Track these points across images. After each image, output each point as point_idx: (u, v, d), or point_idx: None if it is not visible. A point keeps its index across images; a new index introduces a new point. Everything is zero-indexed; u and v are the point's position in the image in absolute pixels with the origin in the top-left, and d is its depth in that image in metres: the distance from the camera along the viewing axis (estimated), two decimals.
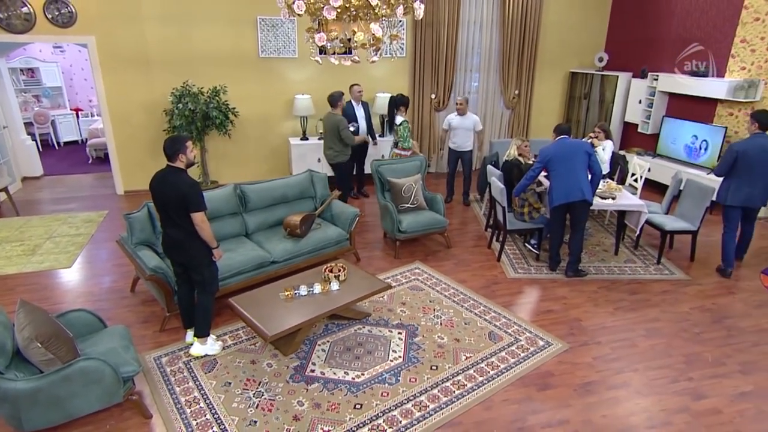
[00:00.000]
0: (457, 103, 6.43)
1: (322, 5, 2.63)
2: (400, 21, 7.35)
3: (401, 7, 2.75)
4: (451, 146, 6.60)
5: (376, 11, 2.65)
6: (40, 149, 9.31)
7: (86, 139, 9.22)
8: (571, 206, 4.63)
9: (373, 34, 2.70)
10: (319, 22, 2.86)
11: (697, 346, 3.87)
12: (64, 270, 4.85)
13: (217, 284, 3.71)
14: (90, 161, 8.73)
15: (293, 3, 2.68)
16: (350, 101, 6.61)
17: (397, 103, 6.25)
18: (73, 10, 6.02)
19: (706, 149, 6.71)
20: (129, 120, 6.67)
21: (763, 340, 3.95)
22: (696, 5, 6.90)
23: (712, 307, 4.42)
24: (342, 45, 2.91)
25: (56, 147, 9.80)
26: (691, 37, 7.00)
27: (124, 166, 6.89)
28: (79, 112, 10.11)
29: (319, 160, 7.24)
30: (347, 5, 2.60)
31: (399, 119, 6.18)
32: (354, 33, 2.73)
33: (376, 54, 2.96)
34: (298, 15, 2.72)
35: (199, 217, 3.28)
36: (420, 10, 2.92)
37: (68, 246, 5.28)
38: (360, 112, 6.67)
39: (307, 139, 7.25)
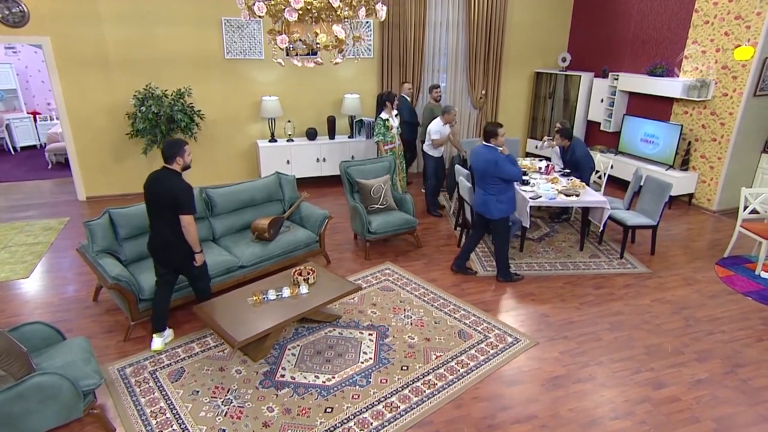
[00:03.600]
0: (451, 114, 6.24)
1: (283, 7, 2.61)
2: (367, 22, 7.36)
3: (363, 8, 2.75)
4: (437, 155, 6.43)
5: (338, 13, 2.64)
6: None
7: (45, 144, 8.86)
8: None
9: (336, 36, 2.69)
10: (282, 24, 2.83)
11: (657, 337, 4.01)
12: (21, 280, 4.65)
13: (209, 280, 3.89)
14: (49, 167, 8.38)
15: (254, 4, 2.64)
16: (403, 96, 7.09)
17: (386, 98, 6.25)
18: (25, 10, 5.77)
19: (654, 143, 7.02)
20: (89, 123, 6.45)
21: (717, 329, 4.13)
22: (651, 8, 7.15)
23: (671, 299, 4.59)
24: (305, 47, 2.89)
25: (12, 152, 9.36)
26: (648, 38, 7.25)
27: (85, 171, 6.65)
28: (37, 116, 9.70)
29: (288, 161, 7.18)
30: (308, 7, 2.58)
31: (384, 115, 6.18)
32: (316, 35, 2.71)
33: (339, 56, 2.95)
34: (259, 17, 2.69)
35: (187, 220, 3.41)
36: (382, 12, 2.93)
37: (25, 255, 5.07)
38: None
39: (275, 140, 7.17)
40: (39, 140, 9.56)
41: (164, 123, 6.11)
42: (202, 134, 6.92)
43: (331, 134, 7.44)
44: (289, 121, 7.21)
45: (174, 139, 3.54)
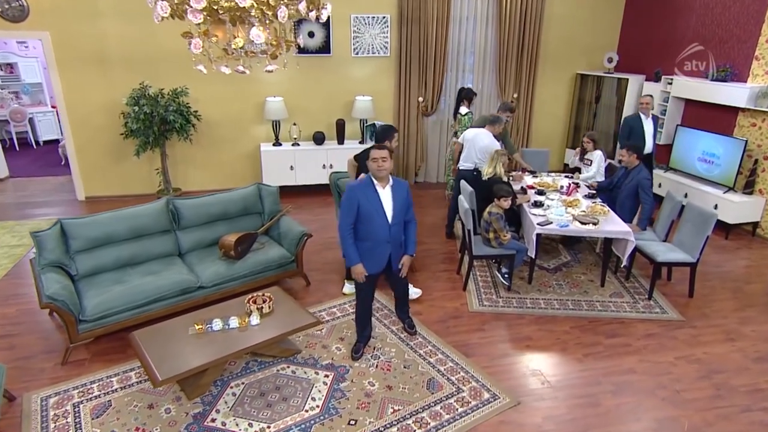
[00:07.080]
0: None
1: (186, 7, 2.17)
2: (383, 17, 6.79)
3: (283, 8, 2.25)
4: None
5: (254, 14, 2.17)
6: (17, 148, 9.07)
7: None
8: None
9: (251, 40, 2.22)
10: (202, 27, 2.40)
11: (673, 409, 3.24)
12: None
13: None
14: (63, 162, 8.31)
15: (156, 4, 2.23)
16: (638, 114, 5.80)
17: (464, 95, 6.35)
18: (25, 4, 5.69)
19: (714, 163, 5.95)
20: (88, 122, 6.33)
21: (757, 405, 3.28)
22: (717, 0, 6.10)
23: (702, 357, 3.75)
24: (227, 52, 2.44)
25: (34, 146, 9.41)
26: (711, 35, 6.20)
27: (84, 170, 6.55)
28: None
29: (292, 167, 6.79)
30: (215, 7, 2.13)
31: (464, 110, 6.22)
32: (234, 38, 2.26)
33: (272, 63, 2.48)
34: (163, 17, 2.26)
35: None
36: (313, 13, 2.40)
37: (2, 259, 4.98)
38: (648, 128, 5.77)
39: (280, 144, 6.80)
40: (61, 134, 9.73)
41: (158, 124, 5.87)
42: (205, 135, 6.67)
43: (340, 139, 6.97)
44: (294, 124, 6.81)
45: (387, 125, 4.09)
